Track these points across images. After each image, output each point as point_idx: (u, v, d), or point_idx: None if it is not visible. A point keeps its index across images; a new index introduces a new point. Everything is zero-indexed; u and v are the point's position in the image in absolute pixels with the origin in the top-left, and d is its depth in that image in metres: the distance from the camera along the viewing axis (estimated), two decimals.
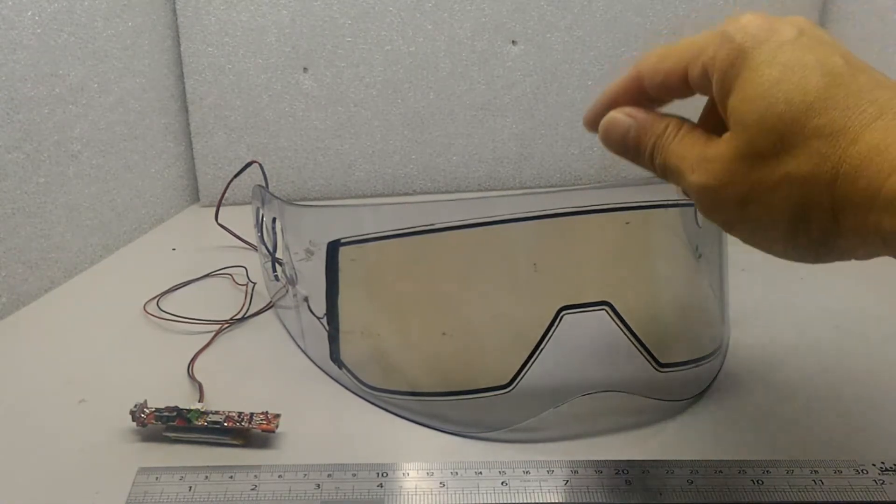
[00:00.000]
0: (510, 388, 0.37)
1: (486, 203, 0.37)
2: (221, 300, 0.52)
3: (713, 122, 0.29)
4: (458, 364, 0.40)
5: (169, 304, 0.52)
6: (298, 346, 0.46)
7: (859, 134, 0.24)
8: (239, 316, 0.50)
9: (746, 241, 0.28)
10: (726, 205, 0.27)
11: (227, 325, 0.49)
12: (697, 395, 0.39)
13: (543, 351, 0.37)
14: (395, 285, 0.41)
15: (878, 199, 0.23)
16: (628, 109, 0.31)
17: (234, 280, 0.56)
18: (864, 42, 0.70)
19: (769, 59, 0.26)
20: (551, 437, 0.37)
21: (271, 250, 0.48)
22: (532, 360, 0.37)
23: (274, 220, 0.46)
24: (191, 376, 0.43)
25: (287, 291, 0.46)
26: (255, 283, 0.54)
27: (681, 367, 0.39)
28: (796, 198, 0.25)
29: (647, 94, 0.31)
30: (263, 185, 0.54)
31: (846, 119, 0.24)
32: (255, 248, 0.60)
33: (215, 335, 0.47)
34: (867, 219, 0.24)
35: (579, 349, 0.39)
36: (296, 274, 0.44)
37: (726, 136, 0.27)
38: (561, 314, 0.36)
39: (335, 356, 0.42)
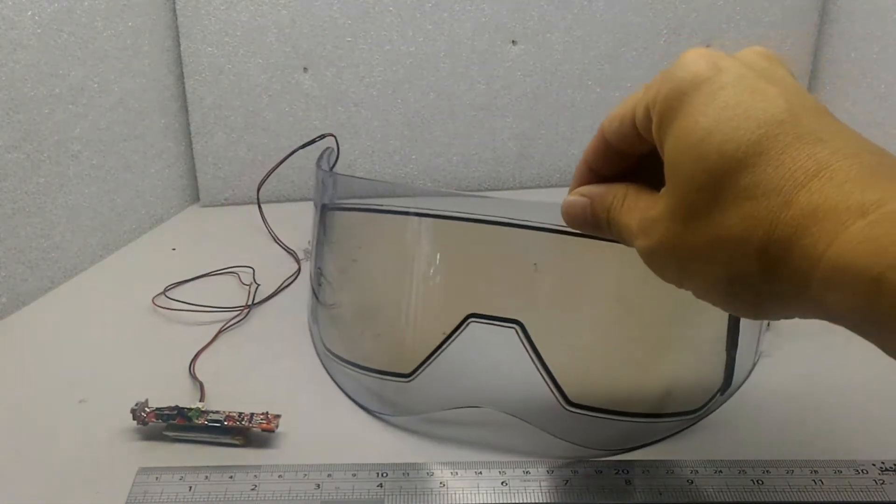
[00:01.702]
0: (410, 378, 0.38)
1: (460, 200, 0.38)
2: (225, 300, 0.52)
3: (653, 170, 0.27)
4: (380, 343, 0.42)
5: (172, 303, 0.52)
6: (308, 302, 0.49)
7: (793, 196, 0.21)
8: (249, 303, 0.51)
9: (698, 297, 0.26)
10: (669, 267, 0.25)
11: (229, 324, 0.49)
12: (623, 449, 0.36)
13: (453, 353, 0.37)
14: (353, 257, 0.43)
15: (816, 272, 0.21)
16: (583, 189, 0.30)
17: (240, 280, 0.56)
18: (864, 42, 0.70)
19: (704, 104, 0.23)
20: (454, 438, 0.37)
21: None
22: (432, 357, 0.37)
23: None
24: (192, 375, 0.43)
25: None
26: (259, 285, 0.54)
27: (601, 415, 0.37)
28: (727, 262, 0.23)
29: (612, 147, 0.29)
30: (325, 156, 0.54)
31: (780, 178, 0.22)
32: (280, 243, 0.62)
33: (217, 334, 0.47)
34: (805, 292, 0.21)
35: (489, 360, 0.38)
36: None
37: (662, 191, 0.25)
38: (468, 321, 0.36)
39: (313, 312, 0.45)
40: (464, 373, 0.38)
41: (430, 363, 0.37)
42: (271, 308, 0.52)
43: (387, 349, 0.41)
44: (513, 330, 0.35)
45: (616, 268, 0.37)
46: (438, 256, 0.39)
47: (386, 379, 0.39)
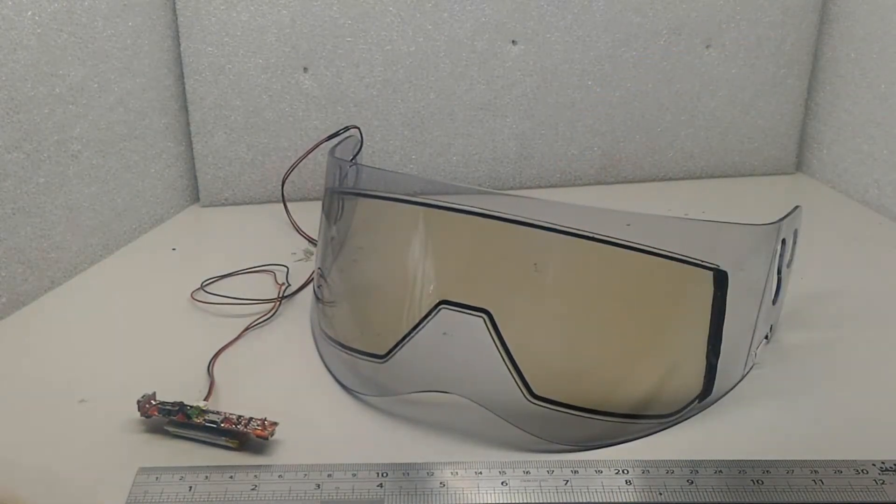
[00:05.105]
0: (384, 359, 0.39)
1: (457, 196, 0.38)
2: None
3: None
4: (361, 324, 0.44)
5: (193, 303, 0.52)
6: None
7: None
8: (283, 295, 0.52)
9: None
10: None
11: (254, 323, 0.49)
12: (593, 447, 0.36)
13: (424, 338, 0.37)
14: (346, 238, 0.45)
15: None
16: None
17: (275, 279, 0.56)
18: (864, 42, 0.70)
19: None
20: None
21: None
22: (405, 340, 0.38)
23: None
24: (209, 374, 0.43)
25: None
26: (289, 285, 0.54)
27: (566, 411, 0.37)
28: None
29: None
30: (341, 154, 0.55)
31: None
32: (303, 233, 0.64)
33: (237, 337, 0.47)
34: None
35: (460, 347, 0.38)
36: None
37: None
38: (439, 307, 0.37)
39: (316, 290, 0.47)
40: (435, 358, 0.38)
41: (403, 346, 0.38)
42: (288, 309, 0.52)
43: (366, 330, 0.42)
44: (481, 319, 0.36)
45: (599, 269, 0.37)
46: (419, 243, 0.39)
47: (364, 359, 0.41)
